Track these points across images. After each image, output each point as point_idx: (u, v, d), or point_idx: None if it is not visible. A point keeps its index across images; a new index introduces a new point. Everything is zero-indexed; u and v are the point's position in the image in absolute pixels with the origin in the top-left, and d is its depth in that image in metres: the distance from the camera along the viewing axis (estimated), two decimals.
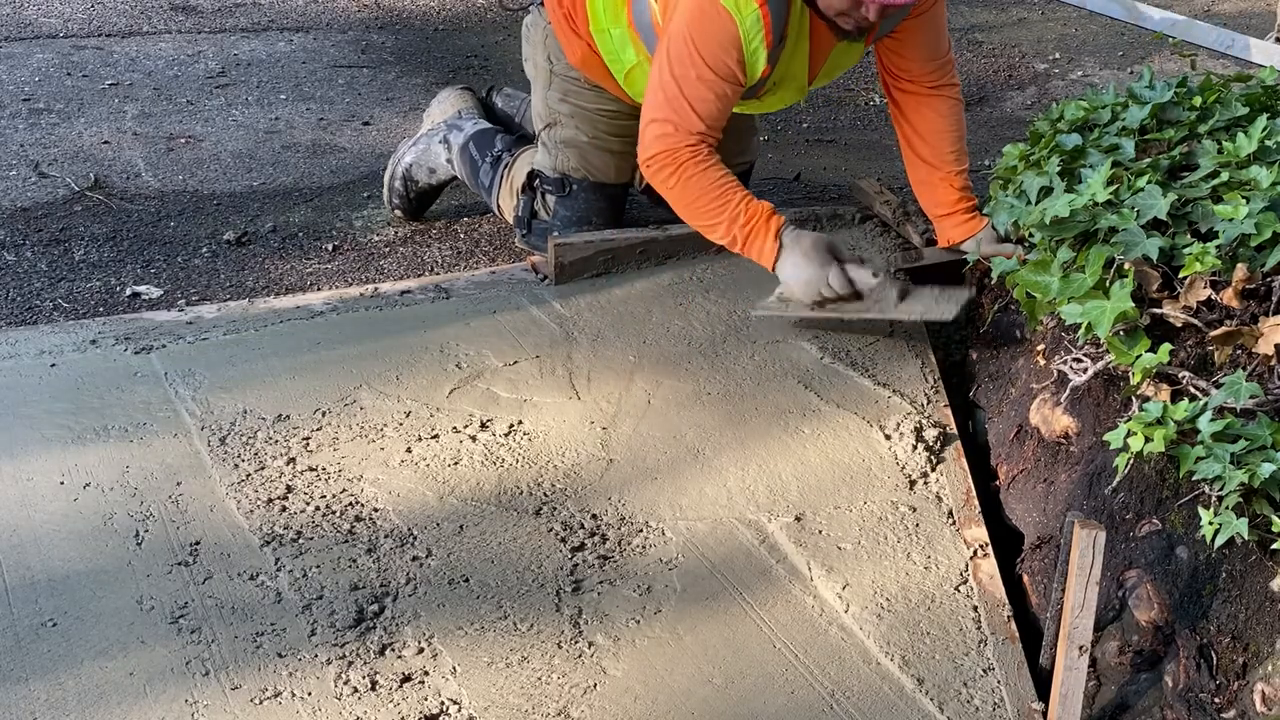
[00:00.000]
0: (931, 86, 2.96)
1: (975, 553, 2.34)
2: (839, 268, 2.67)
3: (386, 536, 2.29)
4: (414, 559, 2.25)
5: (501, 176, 3.33)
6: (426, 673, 2.06)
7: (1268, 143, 2.40)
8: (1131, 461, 2.16)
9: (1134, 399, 2.26)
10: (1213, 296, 2.26)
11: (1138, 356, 2.20)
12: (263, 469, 2.42)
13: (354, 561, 2.24)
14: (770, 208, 2.73)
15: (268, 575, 2.20)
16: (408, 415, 2.57)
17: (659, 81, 2.73)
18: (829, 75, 3.05)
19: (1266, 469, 1.96)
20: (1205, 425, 2.05)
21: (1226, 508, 1.99)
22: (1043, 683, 2.11)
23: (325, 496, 2.37)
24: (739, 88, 2.75)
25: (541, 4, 3.18)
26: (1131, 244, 2.29)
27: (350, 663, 2.06)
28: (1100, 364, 2.35)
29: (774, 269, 2.71)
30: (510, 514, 2.37)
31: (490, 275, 3.10)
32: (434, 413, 2.58)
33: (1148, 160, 2.50)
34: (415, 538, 2.30)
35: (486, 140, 3.40)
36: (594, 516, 2.38)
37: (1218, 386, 2.13)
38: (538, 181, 3.23)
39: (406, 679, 2.04)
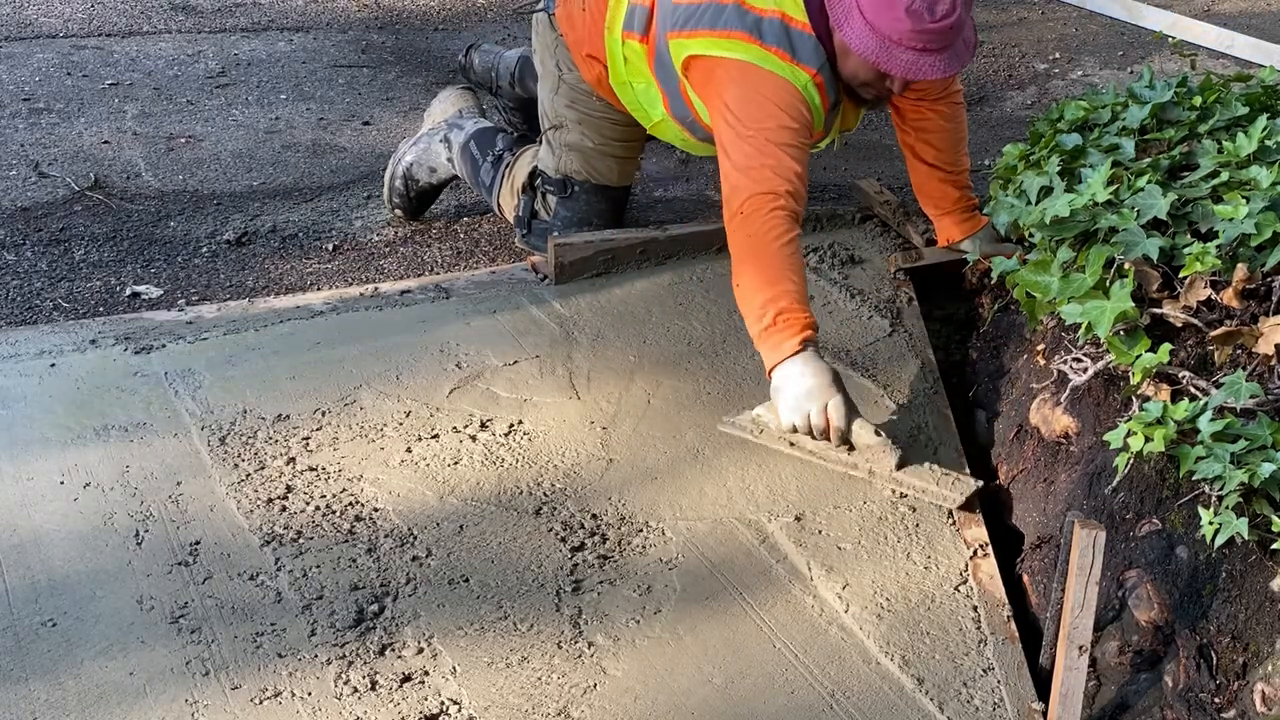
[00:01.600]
0: (936, 97, 2.95)
1: (975, 553, 2.34)
2: (843, 400, 2.42)
3: (386, 536, 2.29)
4: (414, 559, 2.25)
5: (502, 176, 3.33)
6: (426, 673, 2.06)
7: (1268, 143, 2.40)
8: (1131, 461, 2.16)
9: (1134, 399, 2.26)
10: (1213, 296, 2.26)
11: (1138, 356, 2.20)
12: (263, 469, 2.42)
13: (354, 561, 2.24)
14: (812, 324, 2.48)
15: (268, 575, 2.20)
16: (408, 415, 2.57)
17: (737, 145, 2.58)
18: (859, 119, 3.01)
19: (1266, 469, 1.96)
20: (1205, 425, 2.05)
21: (1226, 508, 1.99)
22: (1043, 683, 2.10)
23: (325, 496, 2.37)
24: (810, 137, 2.66)
25: (552, 14, 3.14)
26: (1131, 244, 2.29)
27: (350, 663, 2.06)
28: (1100, 364, 2.35)
29: (774, 369, 2.45)
30: (510, 514, 2.37)
31: (490, 275, 3.10)
32: (434, 413, 2.58)
33: (1148, 160, 2.50)
34: (415, 538, 2.30)
35: (487, 139, 3.40)
36: (594, 516, 2.38)
37: (1218, 386, 2.13)
38: (539, 181, 3.22)
39: (406, 679, 2.04)
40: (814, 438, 2.45)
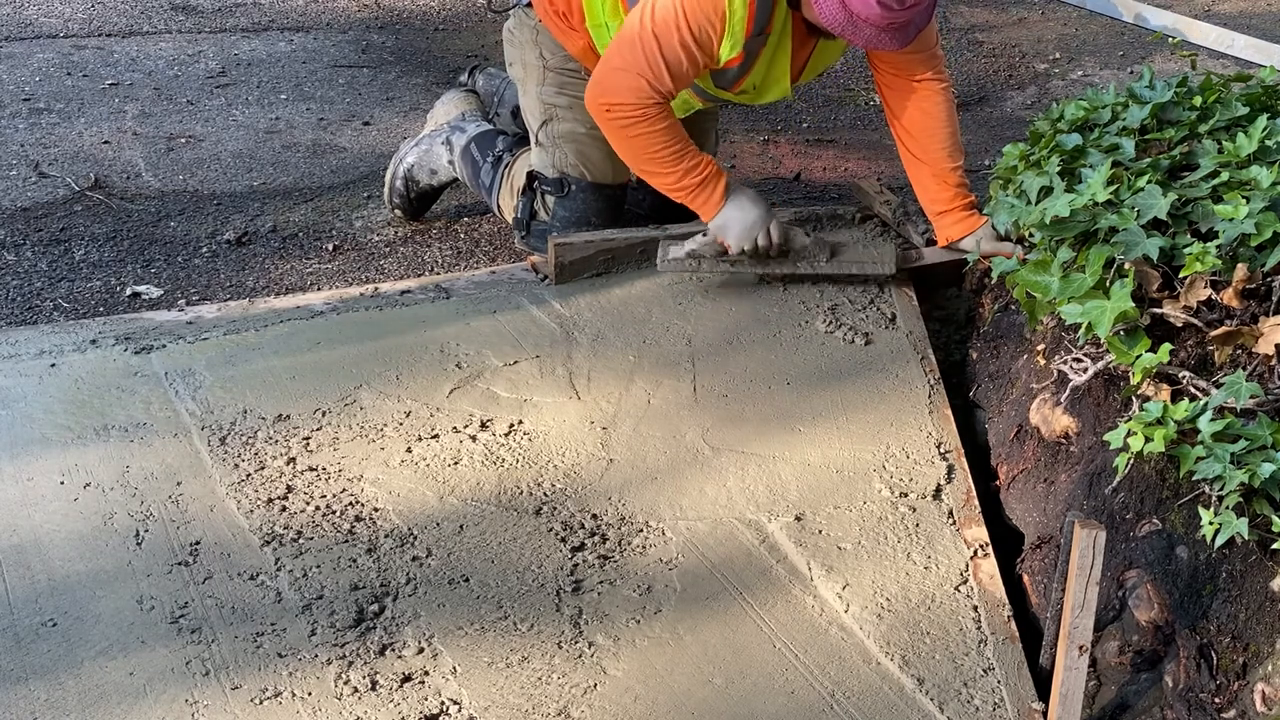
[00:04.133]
0: (917, 79, 2.97)
1: (975, 553, 2.34)
2: (778, 222, 2.87)
3: (386, 536, 2.29)
4: (414, 559, 2.25)
5: (502, 177, 3.33)
6: (426, 673, 2.06)
7: (1268, 143, 2.40)
8: (1131, 461, 2.16)
9: (1134, 399, 2.26)
10: (1213, 296, 2.26)
11: (1138, 356, 2.20)
12: (263, 469, 2.42)
13: (354, 561, 2.24)
14: (719, 166, 2.88)
15: (268, 575, 2.20)
16: (408, 415, 2.57)
17: (636, 35, 2.78)
18: (814, 71, 3.08)
19: (1266, 469, 1.96)
20: (1205, 425, 2.05)
21: (1226, 508, 1.99)
22: (1043, 683, 2.10)
23: (325, 496, 2.37)
24: (711, 62, 2.82)
25: (527, 5, 3.17)
26: (1131, 244, 2.29)
27: (350, 663, 2.06)
28: (1100, 364, 2.35)
29: (714, 214, 2.84)
30: (510, 514, 2.37)
31: (490, 275, 3.10)
32: (434, 413, 2.58)
33: (1148, 160, 2.50)
34: (415, 538, 2.30)
35: (488, 141, 3.40)
36: (594, 516, 2.38)
37: (1218, 386, 2.13)
38: (536, 183, 3.22)
39: (406, 679, 2.04)
40: (757, 255, 2.87)
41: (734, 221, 2.85)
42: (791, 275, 2.91)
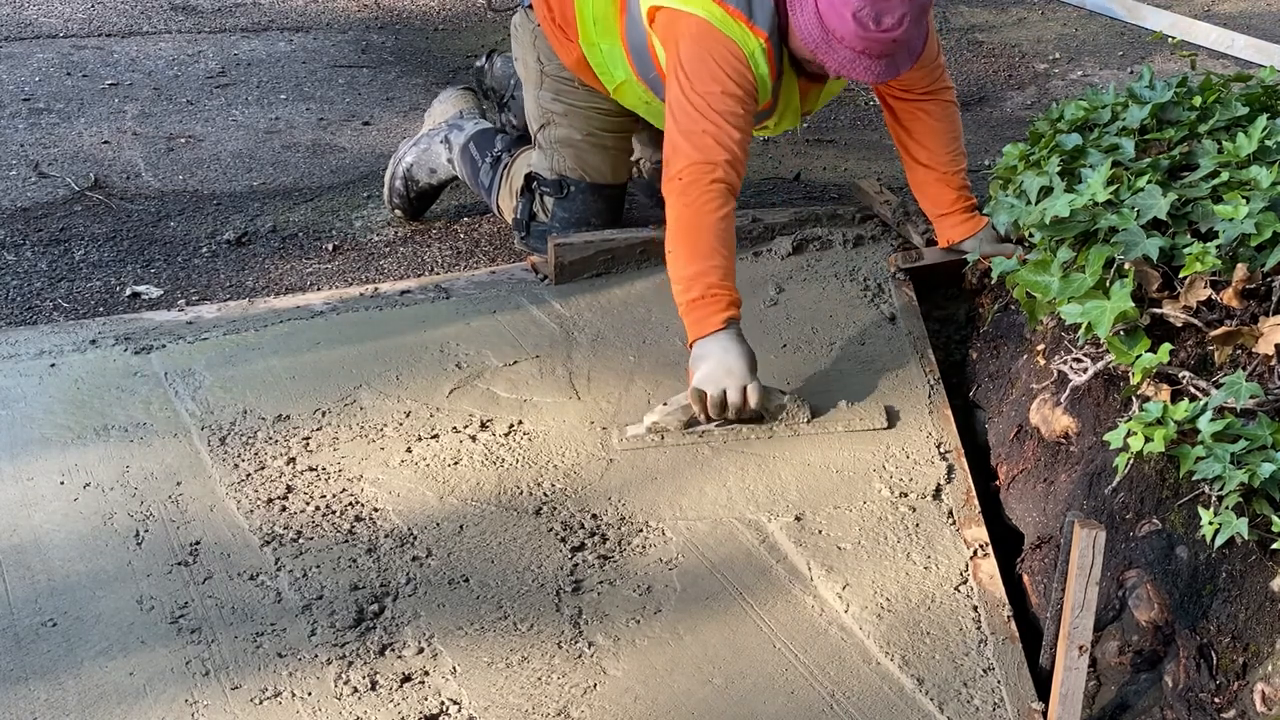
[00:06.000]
0: (924, 92, 2.95)
1: (975, 553, 2.34)
2: (759, 385, 2.53)
3: (386, 536, 2.29)
4: (414, 559, 2.25)
5: (501, 177, 3.33)
6: (426, 673, 2.06)
7: (1268, 143, 2.40)
8: (1131, 461, 2.16)
9: (1134, 399, 2.26)
10: (1213, 296, 2.26)
11: (1138, 356, 2.20)
12: (263, 469, 2.42)
13: (354, 561, 2.24)
14: (736, 303, 2.57)
15: (268, 575, 2.20)
16: (408, 415, 2.57)
17: (683, 105, 2.64)
18: (823, 100, 3.04)
19: (1266, 469, 1.96)
20: (1205, 425, 2.05)
21: (1226, 508, 1.99)
22: (1043, 683, 2.10)
23: (325, 496, 2.37)
24: (754, 106, 2.71)
25: (529, 6, 3.17)
26: (1131, 244, 2.29)
27: (350, 663, 2.06)
28: (1100, 364, 2.35)
29: (698, 342, 2.54)
30: (510, 514, 2.37)
31: (490, 275, 3.10)
32: (434, 413, 2.58)
33: (1148, 160, 2.50)
34: (415, 538, 2.30)
35: (487, 140, 3.40)
36: (594, 516, 2.38)
37: (1218, 386, 2.13)
38: (535, 184, 3.22)
39: (406, 679, 2.04)
40: (717, 414, 2.53)
41: (709, 359, 2.51)
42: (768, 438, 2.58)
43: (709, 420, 2.54)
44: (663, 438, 2.53)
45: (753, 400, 2.51)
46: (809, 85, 2.88)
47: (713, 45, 2.65)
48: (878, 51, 2.59)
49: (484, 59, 3.71)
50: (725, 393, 2.50)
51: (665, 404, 2.57)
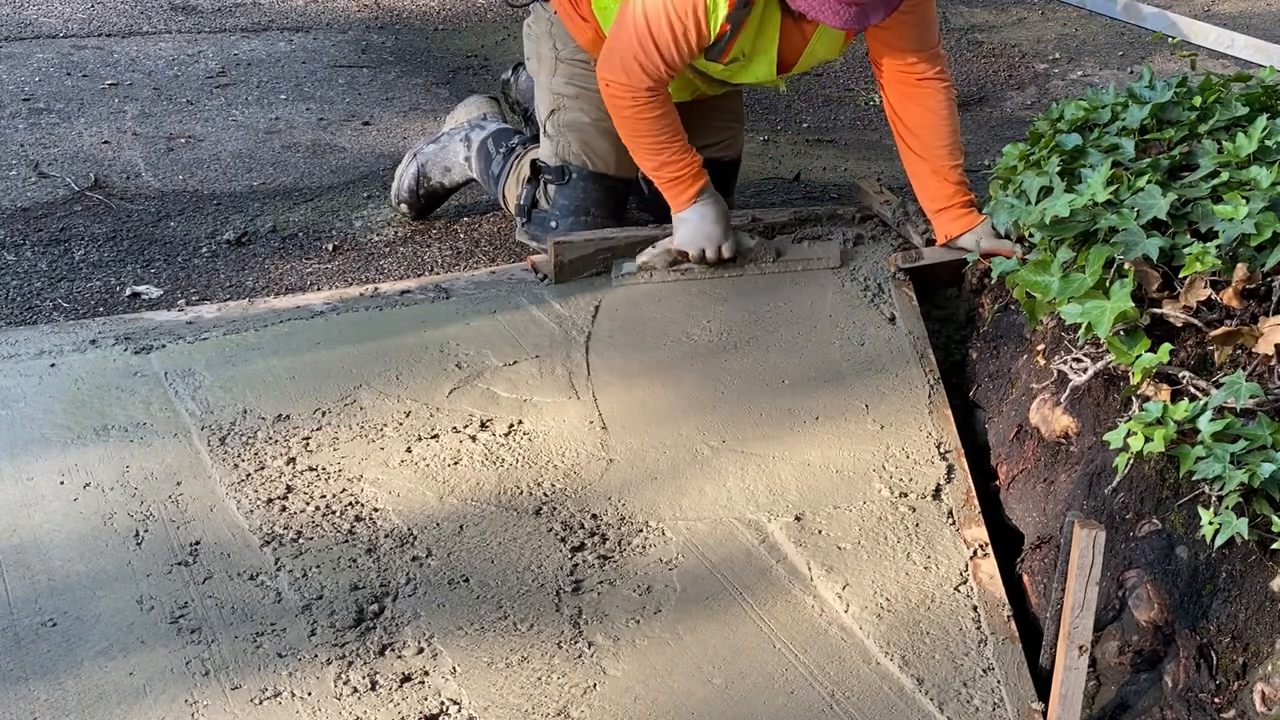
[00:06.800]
0: (919, 77, 2.97)
1: (975, 553, 2.34)
2: (733, 241, 2.98)
3: (386, 536, 2.29)
4: (414, 559, 2.25)
5: (511, 166, 3.38)
6: (426, 673, 2.06)
7: (1268, 143, 2.40)
8: (1131, 461, 2.16)
9: (1134, 399, 2.26)
10: (1213, 296, 2.26)
11: (1138, 356, 2.20)
12: (263, 469, 2.42)
13: (354, 561, 2.24)
14: (701, 163, 2.98)
15: (268, 575, 2.20)
16: (408, 415, 2.57)
17: (629, 17, 2.86)
18: (807, 63, 3.08)
19: (1266, 469, 1.96)
20: (1205, 425, 2.05)
21: (1226, 508, 1.99)
22: (1043, 683, 2.11)
23: (325, 496, 2.37)
24: (703, 40, 2.84)
25: (545, 0, 3.22)
26: (1131, 244, 2.29)
27: (350, 663, 2.06)
28: (1100, 364, 2.35)
29: (678, 211, 2.96)
30: (510, 514, 2.37)
31: (490, 275, 3.10)
32: (434, 413, 2.58)
33: (1148, 160, 2.50)
34: (415, 538, 2.30)
35: (505, 135, 3.47)
36: (594, 516, 2.38)
37: (1218, 386, 2.13)
38: (539, 171, 3.25)
39: (406, 679, 2.04)
40: (698, 264, 2.98)
41: (690, 225, 2.95)
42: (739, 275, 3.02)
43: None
44: (651, 275, 2.97)
45: (726, 254, 2.97)
46: (794, 30, 2.93)
47: None
48: None
49: (510, 71, 3.75)
50: (704, 251, 2.96)
51: (653, 247, 3.00)
